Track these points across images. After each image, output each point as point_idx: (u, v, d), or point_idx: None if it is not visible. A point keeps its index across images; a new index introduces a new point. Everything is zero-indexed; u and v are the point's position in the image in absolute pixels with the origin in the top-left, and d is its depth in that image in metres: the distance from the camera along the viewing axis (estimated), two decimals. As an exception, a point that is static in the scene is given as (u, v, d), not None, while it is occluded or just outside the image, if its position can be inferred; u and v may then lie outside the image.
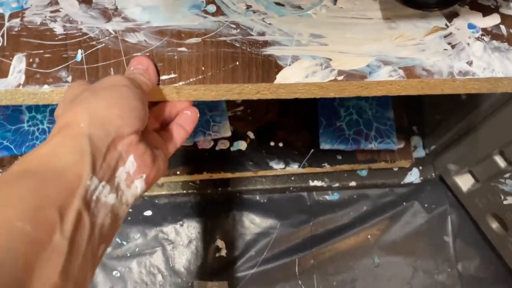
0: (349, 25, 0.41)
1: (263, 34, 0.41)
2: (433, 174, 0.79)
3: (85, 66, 0.38)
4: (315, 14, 0.42)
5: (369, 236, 0.77)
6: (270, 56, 0.40)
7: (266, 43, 0.40)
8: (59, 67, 0.38)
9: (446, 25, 0.42)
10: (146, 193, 0.76)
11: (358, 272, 0.77)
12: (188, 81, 0.39)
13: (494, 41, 0.42)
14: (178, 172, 0.75)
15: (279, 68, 0.40)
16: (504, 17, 0.43)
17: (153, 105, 0.40)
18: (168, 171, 0.74)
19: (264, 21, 0.41)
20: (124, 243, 0.77)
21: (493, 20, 0.42)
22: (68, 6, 0.41)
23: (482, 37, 0.42)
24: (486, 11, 0.43)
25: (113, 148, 0.29)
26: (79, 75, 0.38)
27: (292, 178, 0.77)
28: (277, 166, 0.76)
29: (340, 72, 0.40)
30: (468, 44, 0.41)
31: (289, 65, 0.40)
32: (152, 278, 0.76)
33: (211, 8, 0.41)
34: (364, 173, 0.80)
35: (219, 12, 0.41)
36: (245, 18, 0.41)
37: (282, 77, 0.39)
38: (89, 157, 0.27)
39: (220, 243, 0.78)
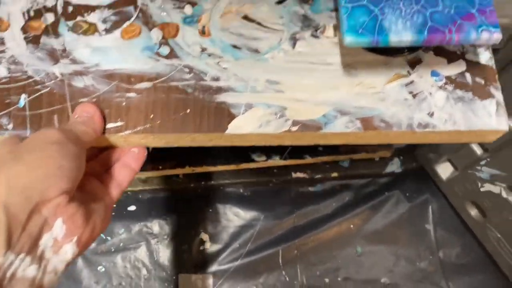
0: (307, 71, 0.40)
1: (217, 79, 0.39)
2: (414, 164, 0.82)
3: (27, 113, 0.37)
4: (273, 59, 0.40)
5: (351, 226, 0.79)
6: (223, 104, 0.38)
7: (219, 89, 0.39)
8: (0, 113, 0.37)
9: (408, 72, 0.40)
10: (129, 188, 0.77)
11: (341, 261, 0.78)
12: (135, 129, 0.37)
13: (458, 90, 0.40)
14: (160, 167, 0.74)
15: (231, 117, 0.38)
16: (470, 64, 0.41)
17: (101, 151, 0.39)
18: (151, 166, 0.74)
19: (219, 65, 0.40)
20: (109, 238, 0.78)
21: (458, 67, 0.41)
22: (15, 46, 0.39)
23: (446, 86, 0.40)
24: (451, 57, 0.41)
25: (36, 214, 0.27)
26: (20, 122, 0.37)
27: (275, 170, 0.78)
28: (259, 159, 0.76)
29: (294, 122, 0.38)
30: (431, 93, 0.40)
31: (243, 113, 0.38)
32: (137, 272, 0.77)
33: (165, 50, 0.40)
34: (346, 163, 0.80)
35: (172, 54, 0.40)
36: (199, 61, 0.40)
37: (234, 127, 0.38)
38: (3, 230, 0.26)
39: (204, 236, 0.79)
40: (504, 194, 0.63)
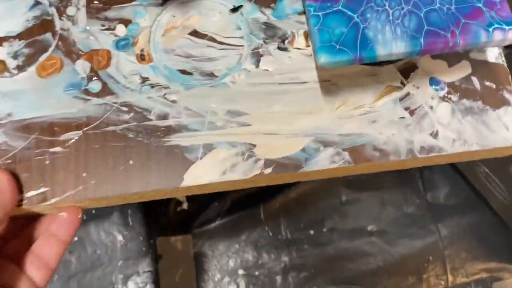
0: (277, 94, 0.32)
1: (165, 117, 0.31)
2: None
3: None
4: (233, 83, 0.32)
5: (333, 174, 0.74)
6: (175, 148, 0.30)
7: (169, 129, 0.31)
8: None
9: (401, 83, 0.32)
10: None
11: (325, 211, 0.75)
12: (64, 195, 0.29)
13: (464, 100, 0.32)
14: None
15: (187, 164, 0.30)
16: (475, 65, 0.33)
17: (27, 224, 0.31)
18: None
19: (166, 98, 0.31)
20: (80, 207, 0.73)
21: (462, 70, 0.33)
22: None
23: (449, 96, 0.32)
24: (452, 58, 0.33)
25: None
26: None
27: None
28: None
29: (267, 162, 0.30)
30: (431, 107, 0.32)
31: (201, 158, 0.30)
32: (112, 239, 0.72)
33: (95, 85, 0.31)
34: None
35: (105, 90, 0.31)
36: (140, 96, 0.31)
37: (192, 177, 0.30)
38: None
39: (180, 197, 0.74)
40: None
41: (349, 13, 0.28)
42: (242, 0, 0.34)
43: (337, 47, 0.27)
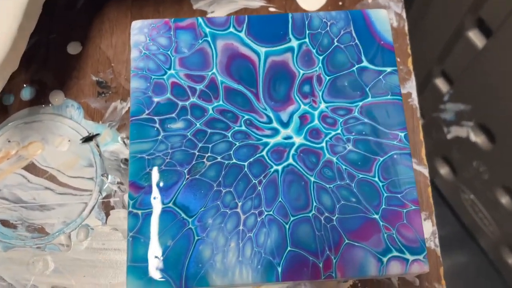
0: (123, 267, 0.25)
1: (-14, 280, 0.25)
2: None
3: None
4: (67, 246, 0.25)
5: None
6: (-4, 323, 0.25)
7: (-9, 297, 0.25)
8: None
9: None
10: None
11: None
12: None
13: None
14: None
15: None
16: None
17: None
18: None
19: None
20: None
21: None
22: None
23: None
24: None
25: None
26: None
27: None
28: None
29: None
30: None
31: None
32: None
33: None
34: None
35: None
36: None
37: None
38: None
39: None
40: (472, 137, 0.54)
41: (183, 215, 0.19)
42: (103, 126, 0.26)
43: (153, 272, 0.19)
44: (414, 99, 0.28)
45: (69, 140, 0.26)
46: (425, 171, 0.26)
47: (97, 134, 0.26)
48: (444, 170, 0.63)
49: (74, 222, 0.25)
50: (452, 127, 0.56)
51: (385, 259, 0.19)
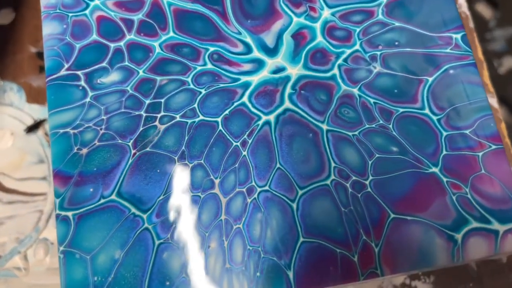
0: None
1: None
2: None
3: None
4: (25, 270, 0.19)
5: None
6: None
7: None
8: None
9: None
10: None
11: None
12: None
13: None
14: None
15: None
16: None
17: None
18: None
19: None
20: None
21: None
22: None
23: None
24: None
25: None
26: None
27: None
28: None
29: None
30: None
31: None
32: None
33: None
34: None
35: None
36: None
37: None
38: None
39: None
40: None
41: (133, 209, 0.13)
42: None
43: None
44: (462, 5, 0.20)
45: (11, 133, 0.20)
46: (493, 101, 0.18)
47: (44, 120, 0.20)
48: (502, 113, 0.54)
49: (29, 237, 0.19)
50: (504, 58, 0.47)
51: (459, 236, 0.11)
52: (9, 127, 0.20)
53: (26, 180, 0.20)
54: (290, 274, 0.12)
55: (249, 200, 0.12)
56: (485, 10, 0.47)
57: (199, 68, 0.13)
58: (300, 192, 0.12)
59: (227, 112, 0.13)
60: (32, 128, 0.20)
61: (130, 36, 0.14)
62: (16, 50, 0.22)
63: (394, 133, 0.12)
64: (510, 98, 0.52)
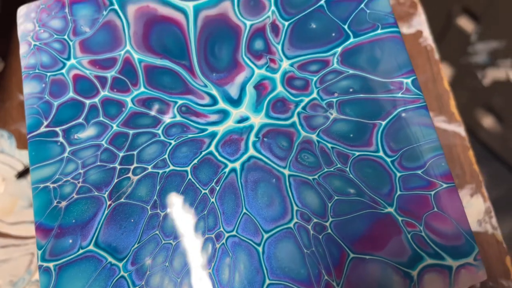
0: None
1: None
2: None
3: None
4: None
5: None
6: None
7: None
8: None
9: None
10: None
11: None
12: None
13: None
14: None
15: None
16: None
17: None
18: None
19: None
20: None
21: None
22: None
23: None
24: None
25: None
26: None
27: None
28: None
29: None
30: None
31: None
32: None
33: None
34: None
35: None
36: None
37: None
38: None
39: None
40: (512, 76, 0.45)
41: (109, 259, 0.13)
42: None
43: None
44: (427, 39, 0.21)
45: (3, 179, 0.20)
46: (460, 129, 0.19)
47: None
48: (487, 121, 0.55)
49: (22, 279, 0.19)
50: (487, 70, 0.48)
51: (414, 273, 0.12)
52: (0, 173, 0.21)
53: (18, 224, 0.20)
54: (258, 315, 0.12)
55: (217, 246, 0.13)
56: (466, 24, 0.48)
57: (168, 120, 0.14)
58: (266, 235, 0.13)
59: (195, 161, 0.14)
60: (23, 174, 0.21)
61: (104, 93, 0.15)
62: (5, 98, 0.23)
63: (351, 175, 0.13)
64: (496, 107, 0.52)
